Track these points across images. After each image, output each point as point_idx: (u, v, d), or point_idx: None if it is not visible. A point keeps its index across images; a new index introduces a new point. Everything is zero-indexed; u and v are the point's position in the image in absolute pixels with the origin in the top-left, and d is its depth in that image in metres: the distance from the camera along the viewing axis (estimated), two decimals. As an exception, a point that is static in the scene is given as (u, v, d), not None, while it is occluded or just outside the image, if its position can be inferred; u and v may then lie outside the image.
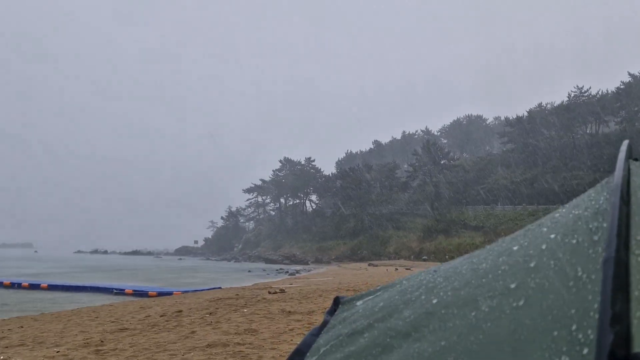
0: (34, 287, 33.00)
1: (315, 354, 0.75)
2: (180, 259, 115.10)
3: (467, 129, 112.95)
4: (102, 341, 7.69)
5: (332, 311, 0.94)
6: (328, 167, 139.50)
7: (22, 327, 11.92)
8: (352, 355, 0.64)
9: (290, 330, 8.09)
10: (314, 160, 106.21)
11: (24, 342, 8.30)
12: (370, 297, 0.88)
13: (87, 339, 8.11)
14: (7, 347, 7.84)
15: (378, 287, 0.91)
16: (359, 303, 0.87)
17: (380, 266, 50.18)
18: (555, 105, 75.77)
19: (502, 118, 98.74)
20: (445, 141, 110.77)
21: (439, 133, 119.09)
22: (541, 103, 78.05)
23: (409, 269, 41.87)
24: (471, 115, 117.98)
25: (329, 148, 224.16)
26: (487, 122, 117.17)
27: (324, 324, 0.89)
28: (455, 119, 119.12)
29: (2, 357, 6.63)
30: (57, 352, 6.95)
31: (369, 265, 53.94)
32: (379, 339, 0.64)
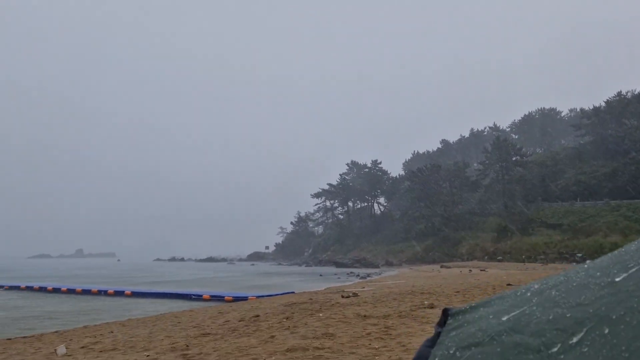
0: (118, 294, 34.89)
1: None
2: (253, 264, 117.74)
3: (540, 123, 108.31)
4: (187, 346, 8.02)
5: (442, 322, 0.94)
6: (395, 169, 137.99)
7: (112, 332, 12.62)
8: None
9: (368, 334, 8.08)
10: (380, 163, 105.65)
11: (116, 346, 8.79)
12: (485, 307, 0.88)
13: (172, 343, 8.48)
14: (101, 351, 8.34)
15: (492, 297, 0.91)
16: (473, 314, 0.87)
17: (454, 268, 49.06)
18: (636, 93, 71.14)
19: (578, 110, 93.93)
20: (516, 137, 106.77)
21: (509, 129, 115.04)
22: (620, 92, 73.45)
23: (484, 270, 40.66)
24: (544, 108, 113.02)
25: (395, 150, 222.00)
26: (562, 114, 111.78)
27: (437, 335, 0.90)
28: (527, 113, 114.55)
29: (98, 361, 7.07)
30: (147, 356, 7.31)
31: (442, 267, 52.89)
32: (505, 354, 0.61)
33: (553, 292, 0.72)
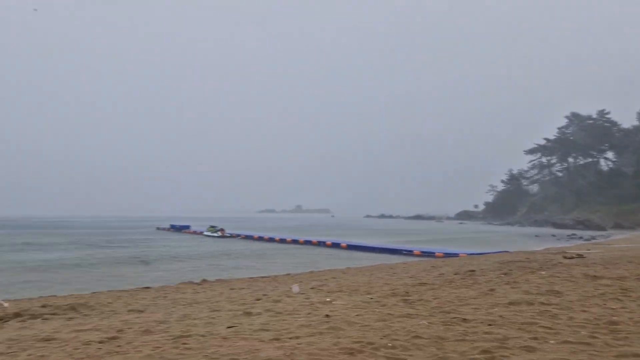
0: (335, 245, 37.74)
1: None
2: (461, 223, 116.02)
3: None
4: (407, 292, 8.35)
5: None
6: (627, 119, 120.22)
7: (334, 278, 13.76)
8: None
9: (601, 294, 7.41)
10: (608, 113, 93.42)
11: (341, 289, 9.58)
12: None
13: (392, 289, 8.91)
14: (329, 292, 9.18)
15: None
16: None
17: None
18: None
19: None
20: None
21: None
22: None
23: None
24: None
25: (627, 97, 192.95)
26: None
27: None
28: None
29: (328, 299, 7.79)
30: (371, 298, 7.82)
31: (689, 231, 45.32)
32: None
33: None
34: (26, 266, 23.88)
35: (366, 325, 5.56)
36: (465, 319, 5.77)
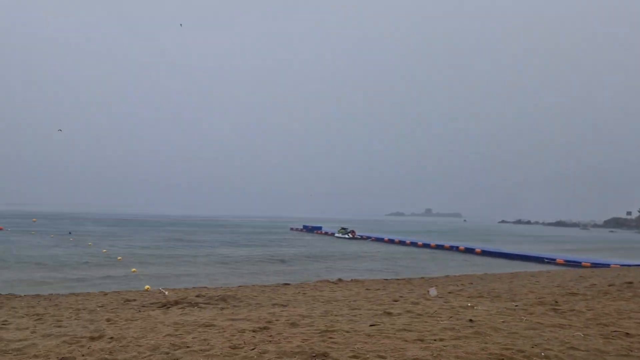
0: (468, 250, 36.50)
1: None
2: (611, 231, 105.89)
3: None
4: (556, 302, 7.83)
5: None
6: None
7: (471, 283, 13.34)
8: None
9: None
10: None
11: (481, 295, 9.26)
12: None
13: (539, 298, 8.41)
14: (469, 297, 8.92)
15: None
16: None
17: None
18: None
19: None
20: None
21: None
22: None
23: None
24: None
25: None
26: None
27: None
28: None
29: (469, 304, 7.58)
30: (516, 305, 7.46)
31: None
32: None
33: None
34: (178, 260, 26.23)
35: (514, 333, 5.34)
36: (628, 334, 5.29)
